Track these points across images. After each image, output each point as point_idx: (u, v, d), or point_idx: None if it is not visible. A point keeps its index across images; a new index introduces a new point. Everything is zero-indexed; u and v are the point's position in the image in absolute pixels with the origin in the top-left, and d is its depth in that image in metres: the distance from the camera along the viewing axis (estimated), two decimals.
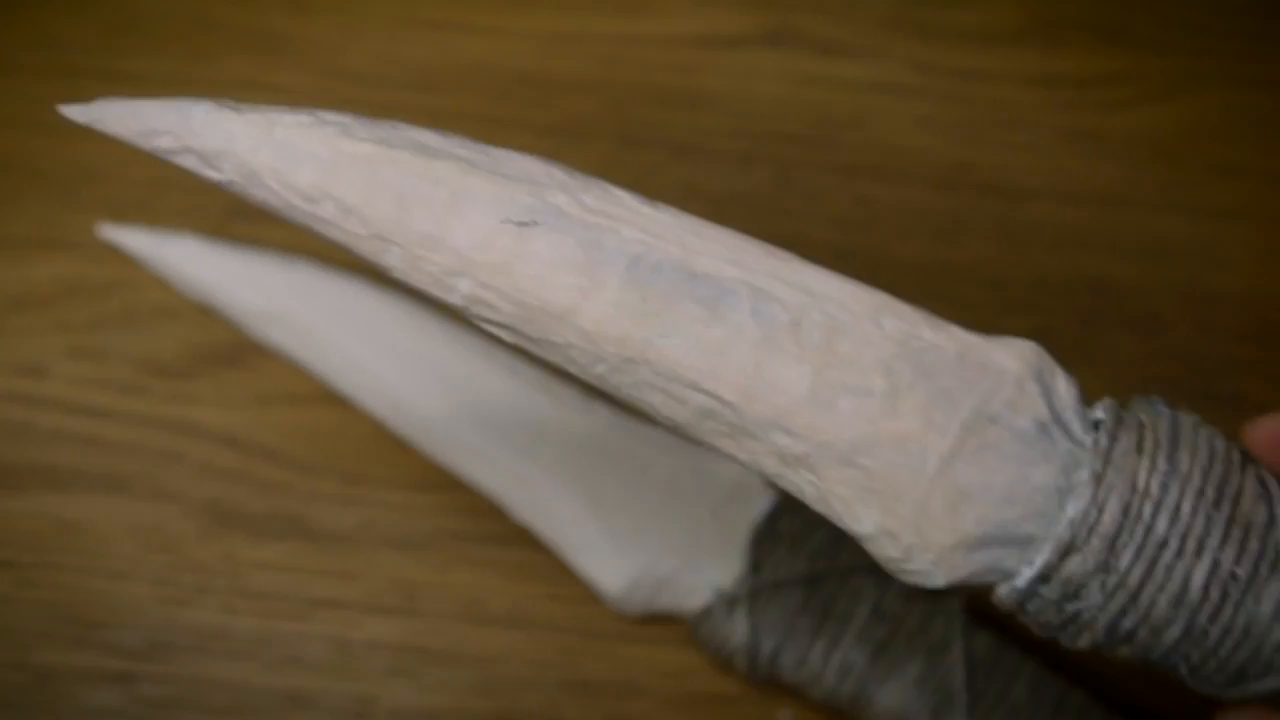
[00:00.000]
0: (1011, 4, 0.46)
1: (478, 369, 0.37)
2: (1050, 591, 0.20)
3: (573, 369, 0.21)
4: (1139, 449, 0.20)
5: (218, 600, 0.36)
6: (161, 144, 0.21)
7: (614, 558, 0.35)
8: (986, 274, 0.41)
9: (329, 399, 0.38)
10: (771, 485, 0.35)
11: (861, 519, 0.21)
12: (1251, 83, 0.45)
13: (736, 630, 0.34)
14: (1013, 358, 0.21)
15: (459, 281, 0.21)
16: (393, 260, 0.21)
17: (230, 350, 0.39)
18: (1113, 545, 0.20)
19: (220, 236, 0.39)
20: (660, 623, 0.36)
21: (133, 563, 0.37)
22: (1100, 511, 0.20)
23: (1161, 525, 0.20)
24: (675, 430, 0.21)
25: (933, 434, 0.20)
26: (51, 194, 0.41)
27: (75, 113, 0.21)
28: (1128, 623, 0.20)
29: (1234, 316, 0.41)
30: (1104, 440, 0.21)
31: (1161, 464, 0.20)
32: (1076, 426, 0.21)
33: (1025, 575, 0.20)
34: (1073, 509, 0.20)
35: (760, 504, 0.35)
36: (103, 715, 0.35)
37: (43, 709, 0.35)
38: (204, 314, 0.39)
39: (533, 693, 0.36)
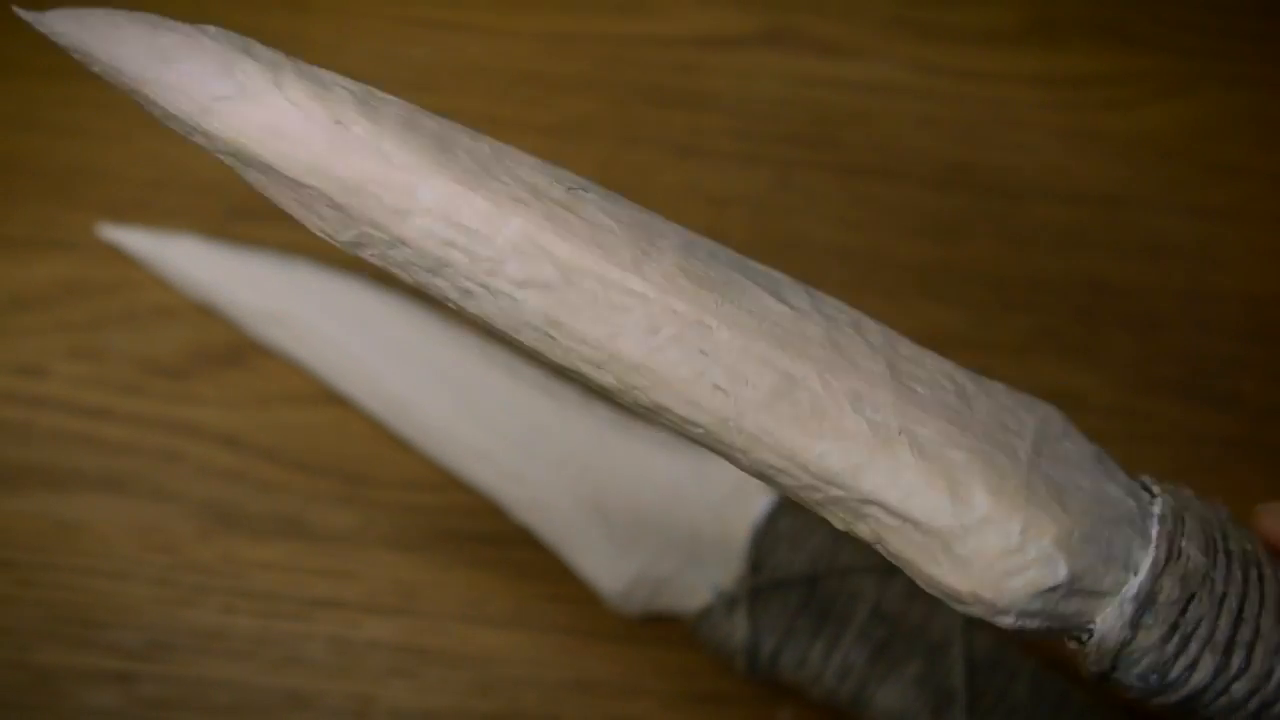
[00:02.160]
0: (1011, 4, 0.46)
1: (478, 369, 0.37)
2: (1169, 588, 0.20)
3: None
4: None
5: (218, 600, 0.36)
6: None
7: (614, 558, 0.35)
8: (986, 274, 0.41)
9: (329, 399, 0.38)
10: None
11: (974, 500, 0.19)
12: (1251, 83, 0.45)
13: (736, 630, 0.34)
14: (1044, 405, 0.21)
15: None
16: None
17: (230, 350, 0.39)
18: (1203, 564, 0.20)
19: (220, 236, 0.39)
20: (660, 623, 0.36)
21: (133, 563, 0.37)
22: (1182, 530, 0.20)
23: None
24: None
25: (1011, 436, 0.20)
26: (51, 194, 0.41)
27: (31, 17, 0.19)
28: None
29: (1234, 316, 0.41)
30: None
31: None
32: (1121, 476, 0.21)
33: (1145, 565, 0.20)
34: (1157, 515, 0.20)
35: (760, 504, 0.35)
36: (103, 715, 0.35)
37: (43, 709, 0.35)
38: (204, 314, 0.39)
39: (532, 692, 0.36)
